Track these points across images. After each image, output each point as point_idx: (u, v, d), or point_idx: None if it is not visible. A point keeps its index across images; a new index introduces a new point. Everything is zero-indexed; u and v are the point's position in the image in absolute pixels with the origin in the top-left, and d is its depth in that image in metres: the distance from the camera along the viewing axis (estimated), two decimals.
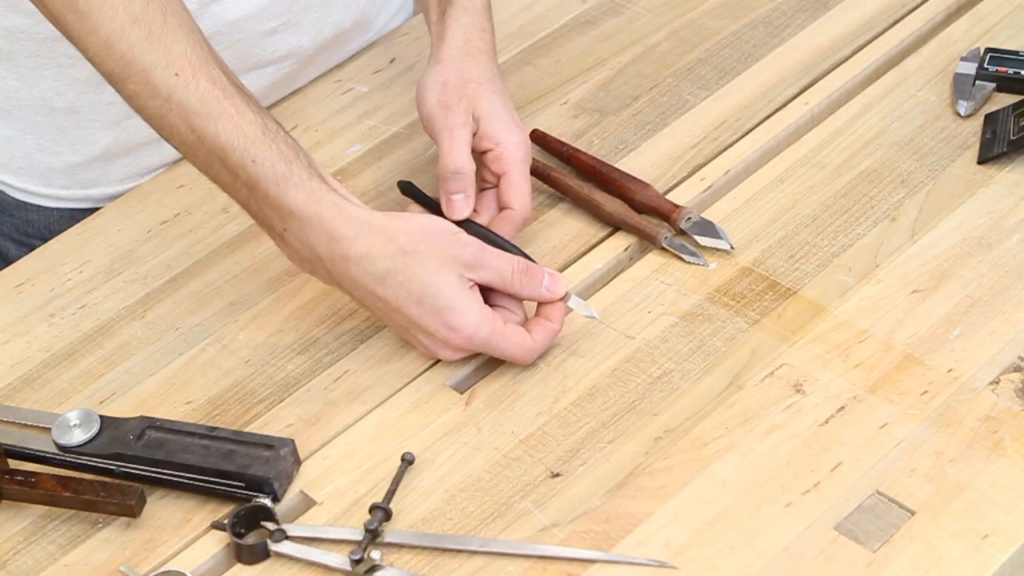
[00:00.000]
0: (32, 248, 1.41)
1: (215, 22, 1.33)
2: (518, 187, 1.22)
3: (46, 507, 1.09)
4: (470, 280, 1.13)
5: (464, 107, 1.23)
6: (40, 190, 1.41)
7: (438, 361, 1.17)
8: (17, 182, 1.41)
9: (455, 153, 1.21)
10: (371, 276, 1.11)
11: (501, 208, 1.23)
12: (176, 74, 1.09)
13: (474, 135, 1.23)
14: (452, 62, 1.25)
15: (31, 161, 1.39)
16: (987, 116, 1.32)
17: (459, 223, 1.18)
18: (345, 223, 1.10)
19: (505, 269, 1.13)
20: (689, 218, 1.24)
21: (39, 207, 1.42)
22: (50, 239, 1.40)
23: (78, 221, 1.39)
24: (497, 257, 1.14)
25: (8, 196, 1.43)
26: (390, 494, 1.06)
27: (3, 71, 1.33)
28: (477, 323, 1.12)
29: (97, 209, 1.39)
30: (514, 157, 1.22)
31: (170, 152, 1.37)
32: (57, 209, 1.41)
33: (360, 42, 1.47)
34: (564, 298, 1.15)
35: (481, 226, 1.20)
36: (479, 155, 1.24)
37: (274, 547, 1.05)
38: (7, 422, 1.14)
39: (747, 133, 1.34)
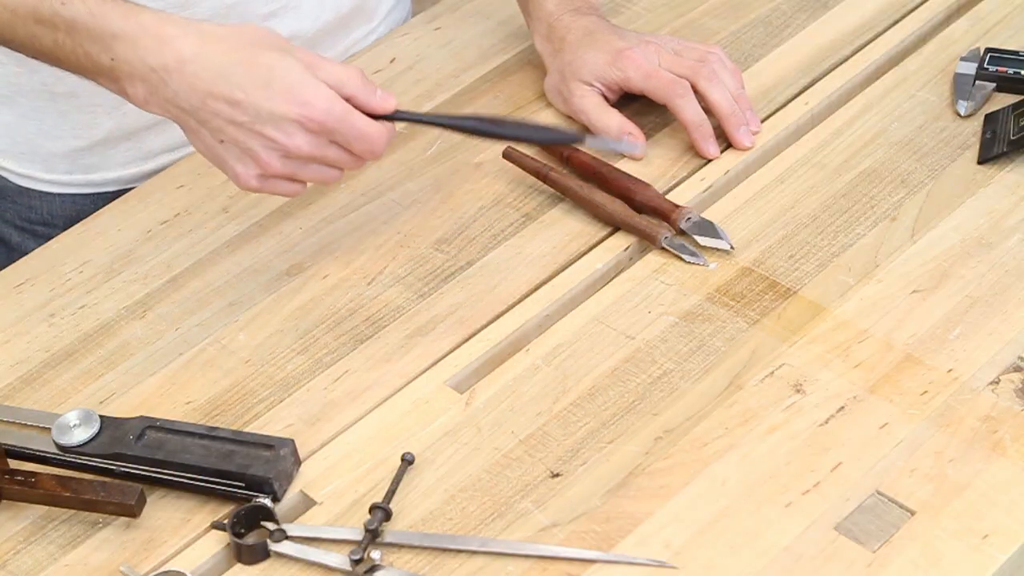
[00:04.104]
0: (34, 234, 1.42)
1: (214, 4, 1.33)
2: (666, 95, 1.31)
3: (46, 507, 1.09)
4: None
5: (574, 87, 1.33)
6: (42, 175, 1.42)
7: (438, 361, 1.17)
8: (19, 168, 1.42)
9: (602, 122, 1.32)
10: (210, 72, 1.07)
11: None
12: None
13: (604, 87, 1.33)
14: (546, 55, 1.37)
15: (33, 147, 1.40)
16: (987, 116, 1.32)
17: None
18: (170, 23, 1.09)
19: (341, 74, 1.11)
20: (689, 218, 1.24)
21: (41, 193, 1.42)
22: (52, 224, 1.40)
23: (80, 206, 1.40)
24: (333, 62, 1.12)
25: (10, 182, 1.43)
26: (390, 494, 1.06)
27: (4, 57, 1.34)
28: (331, 96, 1.09)
29: (100, 194, 1.40)
30: (634, 84, 1.32)
31: (173, 136, 1.38)
32: (59, 195, 1.42)
33: (364, 31, 1.48)
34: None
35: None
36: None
37: (274, 547, 1.05)
38: (7, 422, 1.13)
39: None
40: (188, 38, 1.08)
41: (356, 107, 1.12)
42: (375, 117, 1.13)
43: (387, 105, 1.13)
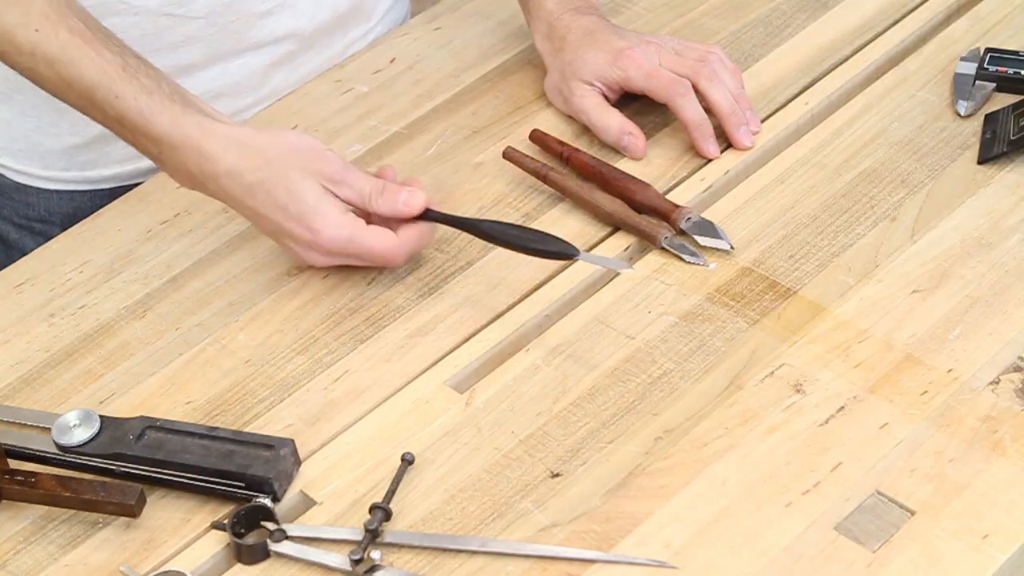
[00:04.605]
0: (32, 231, 1.42)
1: (210, 2, 1.33)
2: (667, 94, 1.31)
3: (46, 507, 1.09)
4: (333, 193, 1.18)
5: (574, 87, 1.34)
6: (39, 172, 1.42)
7: (438, 361, 1.17)
8: (17, 165, 1.42)
9: (602, 122, 1.32)
10: (240, 188, 1.17)
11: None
12: (36, 30, 1.16)
13: (605, 86, 1.33)
14: (546, 55, 1.38)
15: (31, 144, 1.40)
16: (987, 116, 1.32)
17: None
18: (211, 140, 1.17)
19: (365, 187, 1.19)
20: (689, 218, 1.24)
21: (39, 190, 1.43)
22: (50, 222, 1.40)
23: (77, 203, 1.40)
24: (359, 177, 1.19)
25: (7, 179, 1.44)
26: (390, 494, 1.06)
27: None
28: (338, 224, 1.17)
29: (97, 191, 1.40)
30: (635, 84, 1.32)
31: None
32: (57, 191, 1.42)
33: (362, 30, 1.48)
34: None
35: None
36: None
37: (274, 547, 1.05)
38: (7, 422, 1.13)
39: None
40: (227, 154, 1.17)
41: (383, 216, 1.19)
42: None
43: (412, 209, 1.19)
